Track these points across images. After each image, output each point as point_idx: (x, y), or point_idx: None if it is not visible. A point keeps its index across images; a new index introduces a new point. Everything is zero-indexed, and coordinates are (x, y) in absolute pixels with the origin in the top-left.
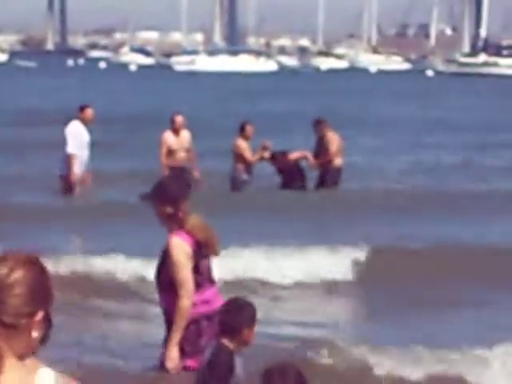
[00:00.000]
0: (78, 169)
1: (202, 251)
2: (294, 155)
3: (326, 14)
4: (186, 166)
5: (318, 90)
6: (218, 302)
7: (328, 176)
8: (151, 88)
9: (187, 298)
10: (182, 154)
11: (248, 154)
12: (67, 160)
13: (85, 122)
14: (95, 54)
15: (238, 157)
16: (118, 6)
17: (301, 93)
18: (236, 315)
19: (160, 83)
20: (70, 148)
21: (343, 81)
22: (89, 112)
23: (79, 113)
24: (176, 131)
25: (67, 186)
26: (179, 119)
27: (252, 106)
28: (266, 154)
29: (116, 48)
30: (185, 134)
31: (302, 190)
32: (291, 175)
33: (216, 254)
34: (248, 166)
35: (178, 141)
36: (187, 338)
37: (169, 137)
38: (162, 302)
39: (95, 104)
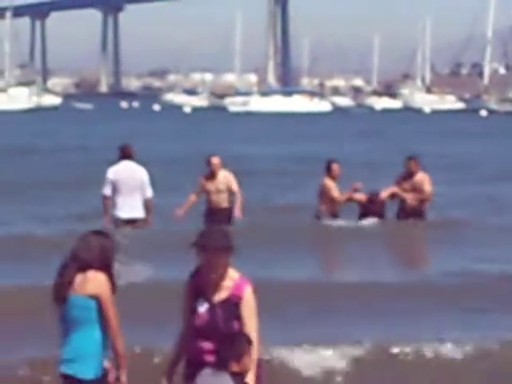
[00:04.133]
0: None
1: None
2: (384, 193)
3: (380, 54)
4: (224, 208)
5: (375, 130)
6: None
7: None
8: (208, 129)
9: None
10: (216, 196)
11: (335, 193)
12: (147, 204)
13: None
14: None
15: (324, 197)
16: (171, 48)
17: (358, 134)
18: None
19: (215, 124)
20: (150, 192)
21: (399, 121)
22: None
23: (131, 152)
24: (212, 173)
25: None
26: (215, 161)
27: (311, 148)
28: (360, 196)
29: (169, 90)
30: (222, 176)
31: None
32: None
33: None
34: (333, 206)
35: (213, 183)
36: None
37: (201, 179)
38: (208, 355)
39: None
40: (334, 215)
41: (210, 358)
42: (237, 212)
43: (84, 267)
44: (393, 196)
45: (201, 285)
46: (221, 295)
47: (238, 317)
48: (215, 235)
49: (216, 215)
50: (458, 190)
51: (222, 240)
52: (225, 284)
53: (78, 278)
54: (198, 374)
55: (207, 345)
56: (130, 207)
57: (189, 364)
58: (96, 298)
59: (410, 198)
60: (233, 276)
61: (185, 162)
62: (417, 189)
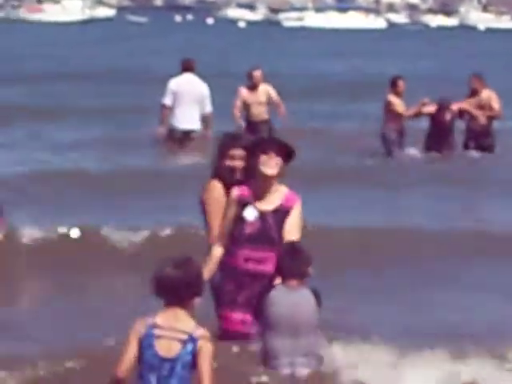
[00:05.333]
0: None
1: None
2: (455, 105)
3: None
4: (265, 119)
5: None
6: None
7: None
8: (262, 44)
9: None
10: (257, 109)
11: (400, 108)
12: (207, 119)
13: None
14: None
15: (389, 114)
16: None
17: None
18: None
19: (270, 40)
20: (210, 107)
21: (454, 38)
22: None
23: (193, 66)
24: (253, 86)
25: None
26: (257, 74)
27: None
28: (429, 109)
29: (225, 4)
30: (262, 89)
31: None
32: (442, 136)
33: None
34: (399, 123)
35: (254, 95)
36: None
37: (243, 91)
38: (256, 264)
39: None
40: (401, 133)
41: (257, 267)
42: (283, 119)
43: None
44: (461, 114)
45: (249, 194)
46: (271, 205)
47: None
48: (277, 139)
49: (257, 127)
50: None
51: (283, 142)
52: (276, 195)
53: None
54: (244, 284)
55: (256, 254)
56: (187, 119)
57: (230, 273)
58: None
59: (481, 115)
60: (283, 190)
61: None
62: (484, 107)
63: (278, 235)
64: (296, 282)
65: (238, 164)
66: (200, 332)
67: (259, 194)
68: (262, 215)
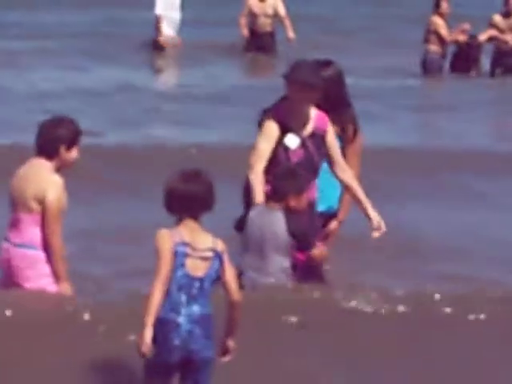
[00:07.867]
0: (167, 30)
1: None
2: (482, 36)
3: None
4: (268, 31)
5: None
6: None
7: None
8: None
9: None
10: (263, 20)
11: (444, 32)
12: (155, 21)
13: None
14: None
15: (432, 35)
16: None
17: None
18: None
19: None
20: (159, 9)
21: None
22: None
23: None
24: None
25: (156, 47)
26: None
27: None
28: (462, 37)
29: None
30: (271, 1)
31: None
32: (470, 62)
33: None
34: (442, 45)
35: (262, 6)
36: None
37: (252, 0)
38: (311, 191)
39: None
40: (444, 56)
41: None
42: (289, 34)
43: None
44: (491, 39)
45: (286, 120)
46: (307, 129)
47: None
48: (305, 70)
49: (261, 38)
50: None
51: (310, 76)
52: (308, 119)
53: None
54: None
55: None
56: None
57: None
58: None
59: (510, 39)
60: (312, 112)
61: None
62: None
63: (319, 160)
64: (275, 204)
65: None
66: (220, 244)
67: (297, 118)
68: (303, 141)
